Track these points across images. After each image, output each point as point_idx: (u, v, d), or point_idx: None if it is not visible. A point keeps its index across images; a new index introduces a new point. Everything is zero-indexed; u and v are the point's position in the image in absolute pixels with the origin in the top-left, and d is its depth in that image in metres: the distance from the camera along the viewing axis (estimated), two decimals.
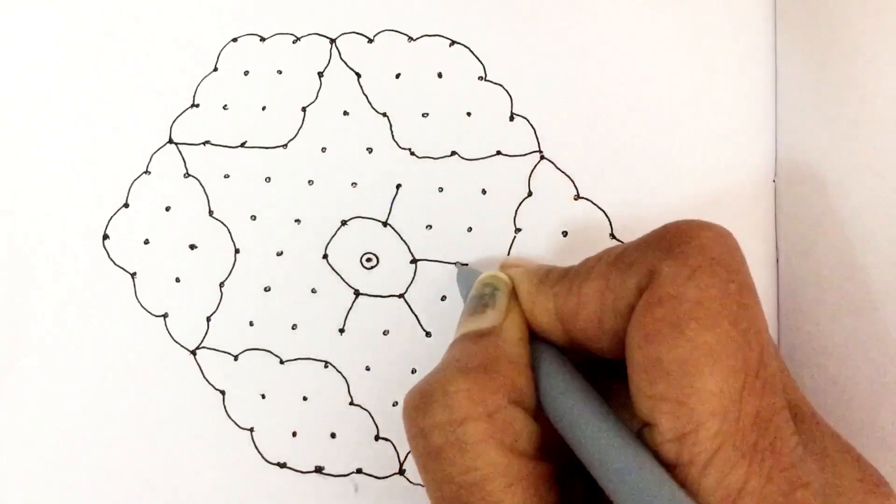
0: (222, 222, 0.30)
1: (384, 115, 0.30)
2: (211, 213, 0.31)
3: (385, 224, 0.30)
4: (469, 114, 0.30)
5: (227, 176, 0.31)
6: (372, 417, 0.29)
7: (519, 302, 0.23)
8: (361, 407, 0.29)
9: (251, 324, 0.30)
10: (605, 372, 0.22)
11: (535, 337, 0.23)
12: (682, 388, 0.17)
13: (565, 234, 0.29)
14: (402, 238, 0.30)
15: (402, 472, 0.29)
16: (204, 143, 0.31)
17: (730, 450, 0.17)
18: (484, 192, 0.30)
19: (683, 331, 0.18)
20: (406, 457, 0.29)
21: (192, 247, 0.30)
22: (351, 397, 0.29)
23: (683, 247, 0.19)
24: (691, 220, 0.20)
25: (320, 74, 0.31)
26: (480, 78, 0.30)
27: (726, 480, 0.17)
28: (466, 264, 0.29)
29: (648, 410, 0.18)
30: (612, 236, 0.29)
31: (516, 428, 0.20)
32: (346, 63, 0.31)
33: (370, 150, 0.30)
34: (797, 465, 0.18)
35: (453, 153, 0.30)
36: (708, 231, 0.19)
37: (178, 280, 0.30)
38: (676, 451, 0.18)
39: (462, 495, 0.19)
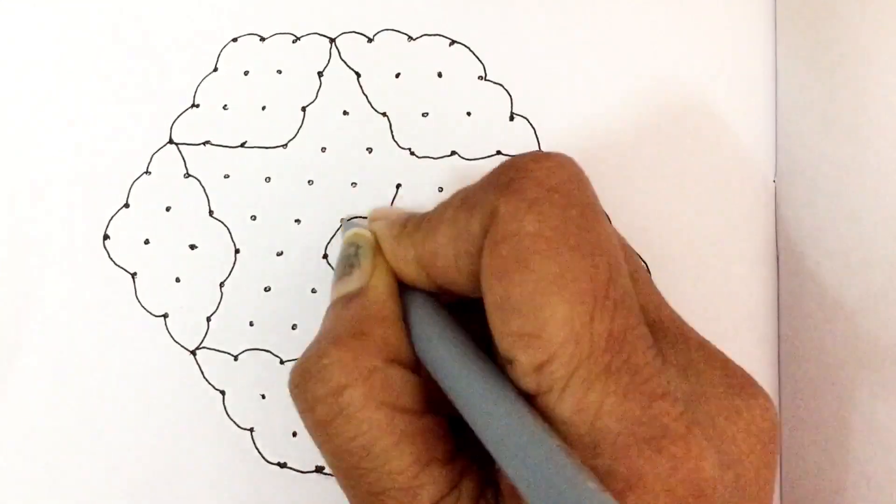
0: (222, 222, 0.30)
1: (384, 114, 0.30)
2: (211, 213, 0.31)
3: None
4: (469, 113, 0.30)
5: (227, 176, 0.31)
6: None
7: (384, 259, 0.23)
8: None
9: (251, 324, 0.30)
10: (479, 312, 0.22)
11: (405, 287, 0.23)
12: (533, 322, 0.18)
13: None
14: None
15: None
16: (204, 143, 0.31)
17: (584, 373, 0.17)
18: None
19: (527, 265, 0.18)
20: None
21: (193, 247, 0.30)
22: None
23: (520, 181, 0.19)
24: (528, 153, 0.20)
25: (320, 74, 0.31)
26: (480, 77, 0.30)
27: (583, 402, 0.17)
28: (344, 218, 0.29)
29: (507, 347, 0.18)
30: None
31: (395, 385, 0.20)
32: (345, 63, 0.31)
33: (370, 149, 0.30)
34: (654, 377, 0.18)
35: (453, 153, 0.30)
36: (545, 161, 0.19)
37: (178, 280, 0.30)
38: (536, 383, 0.18)
39: (355, 461, 0.19)
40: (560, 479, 0.16)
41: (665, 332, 0.20)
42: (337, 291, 0.23)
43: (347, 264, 0.23)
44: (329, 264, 0.30)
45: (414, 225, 0.22)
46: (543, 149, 0.30)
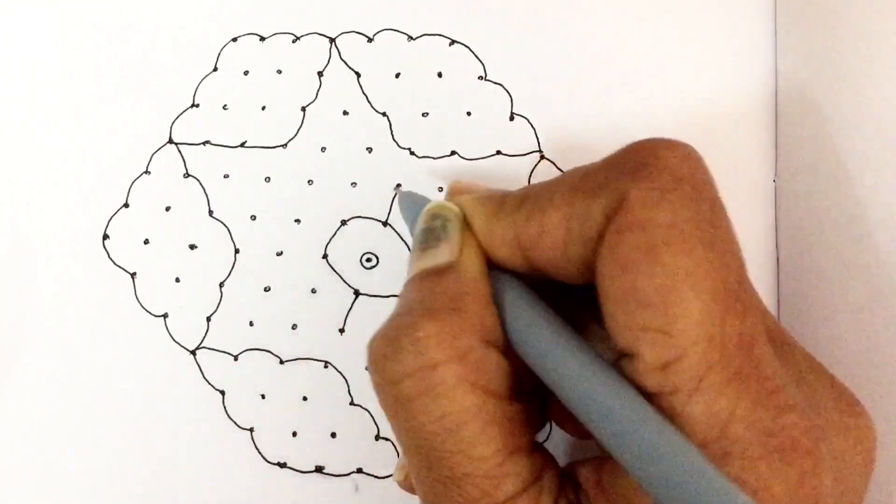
0: (222, 222, 0.30)
1: (384, 114, 0.30)
2: (211, 212, 0.31)
3: (385, 224, 0.30)
4: (469, 113, 0.30)
5: (226, 176, 0.31)
6: (372, 417, 0.29)
7: (473, 232, 0.21)
8: (362, 407, 0.29)
9: (251, 324, 0.30)
10: (571, 298, 0.21)
11: (493, 267, 0.21)
12: (663, 317, 0.17)
13: None
14: (402, 238, 0.30)
15: None
16: (204, 143, 0.31)
17: (716, 376, 0.17)
18: None
19: (659, 257, 0.17)
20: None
21: (192, 247, 0.30)
22: (351, 397, 0.29)
23: (650, 168, 0.18)
24: (655, 139, 0.19)
25: (320, 74, 0.31)
26: (480, 77, 0.30)
27: (714, 407, 0.17)
28: (404, 189, 0.27)
29: (628, 341, 0.17)
30: None
31: (489, 368, 0.19)
32: (345, 62, 0.31)
33: (370, 149, 0.30)
34: (781, 388, 0.17)
35: (453, 153, 0.30)
36: (675, 150, 0.18)
37: (178, 280, 0.30)
38: (660, 381, 0.17)
39: (437, 443, 0.18)
40: (710, 490, 0.15)
41: (776, 341, 0.20)
42: (420, 264, 0.21)
43: (433, 237, 0.21)
44: (329, 264, 0.30)
45: (514, 203, 0.20)
46: (544, 149, 0.30)
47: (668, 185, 0.17)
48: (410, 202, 0.25)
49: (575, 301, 0.21)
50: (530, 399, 0.20)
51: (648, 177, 0.18)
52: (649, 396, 0.17)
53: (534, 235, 0.19)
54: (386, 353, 0.19)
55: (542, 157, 0.30)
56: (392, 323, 0.19)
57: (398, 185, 0.27)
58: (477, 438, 0.18)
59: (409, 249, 0.30)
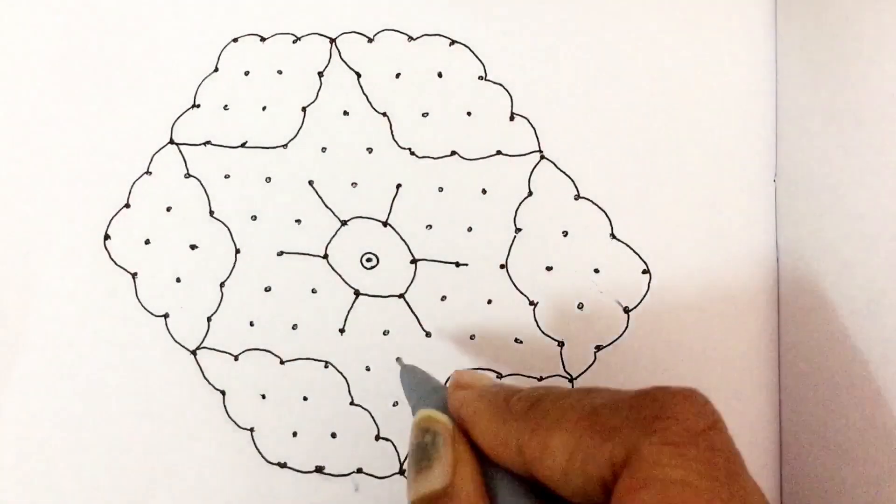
0: (223, 222, 0.30)
1: (384, 114, 0.30)
2: (211, 213, 0.31)
3: (385, 224, 0.30)
4: (469, 113, 0.30)
5: (227, 176, 0.31)
6: (372, 417, 0.29)
7: (464, 446, 0.21)
8: (362, 407, 0.29)
9: (251, 324, 0.30)
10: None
11: (488, 461, 0.21)
12: None
13: (566, 233, 0.29)
14: (402, 238, 0.30)
15: (402, 471, 0.29)
16: (205, 144, 0.31)
17: None
18: (484, 191, 0.30)
19: None
20: (406, 456, 0.29)
21: (193, 247, 0.30)
22: (351, 397, 0.29)
23: (664, 422, 0.18)
24: (669, 390, 0.19)
25: (320, 74, 0.31)
26: (481, 77, 0.30)
27: None
28: (402, 361, 0.28)
29: None
30: (613, 236, 0.29)
31: None
32: (346, 63, 0.31)
33: (370, 149, 0.30)
34: None
35: (453, 153, 0.30)
36: (690, 403, 0.18)
37: (178, 280, 0.30)
38: None
39: None
40: None
41: None
42: (416, 489, 0.21)
43: (424, 455, 0.21)
44: (329, 264, 0.30)
45: (521, 408, 0.21)
46: (544, 149, 0.30)
47: (683, 441, 0.17)
48: (410, 374, 0.25)
49: None
50: None
51: (662, 430, 0.18)
52: None
53: (536, 452, 0.19)
54: None
55: (543, 157, 0.30)
56: None
57: (399, 359, 0.27)
58: None
59: (409, 251, 0.30)
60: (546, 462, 0.19)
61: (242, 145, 0.31)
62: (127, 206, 0.31)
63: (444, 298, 0.29)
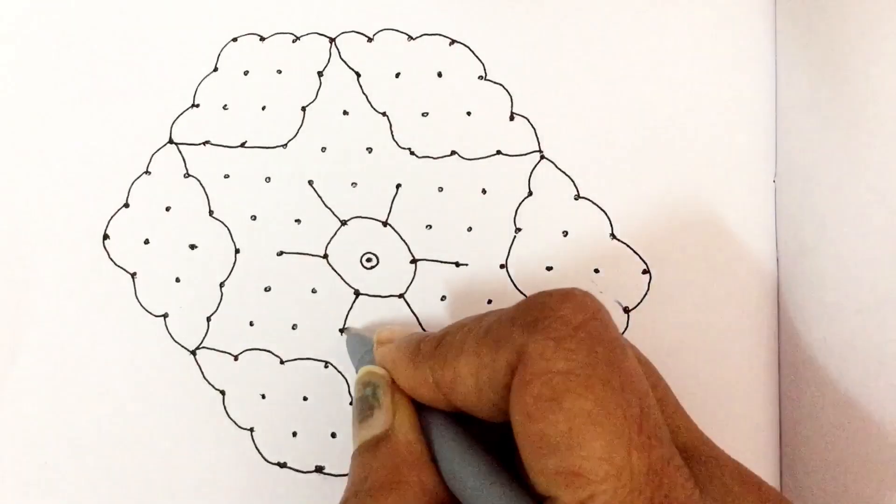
0: (222, 222, 0.30)
1: (384, 114, 0.30)
2: (211, 212, 0.31)
3: (385, 224, 0.30)
4: (469, 113, 0.30)
5: (227, 176, 0.31)
6: None
7: (401, 393, 0.23)
8: None
9: (251, 324, 0.30)
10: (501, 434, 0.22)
11: (424, 407, 0.23)
12: (571, 459, 0.18)
13: (565, 233, 0.29)
14: (401, 238, 0.30)
15: None
16: (204, 143, 0.31)
17: None
18: (484, 191, 0.30)
19: (561, 403, 0.18)
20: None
21: (193, 247, 0.30)
22: (351, 397, 0.29)
23: (545, 321, 0.19)
24: (550, 292, 0.21)
25: (320, 74, 0.31)
26: (480, 77, 0.30)
27: None
28: (349, 329, 0.29)
29: (545, 486, 0.18)
30: (613, 236, 0.29)
31: None
32: (345, 62, 0.31)
33: (370, 149, 0.30)
34: None
35: (453, 153, 0.30)
36: (568, 300, 0.20)
37: (178, 280, 0.30)
38: None
39: None
40: None
41: (698, 457, 0.21)
42: (360, 437, 0.23)
43: (366, 406, 0.23)
44: (329, 264, 0.30)
45: (429, 348, 0.22)
46: (544, 149, 0.30)
47: (563, 335, 0.19)
48: (356, 341, 0.27)
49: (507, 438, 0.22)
50: None
51: (545, 329, 0.19)
52: None
53: (449, 380, 0.21)
54: None
55: (543, 156, 0.30)
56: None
57: (344, 329, 0.29)
58: None
59: (409, 251, 0.30)
60: (459, 389, 0.21)
61: (242, 145, 0.31)
62: (126, 205, 0.31)
63: (443, 298, 0.29)
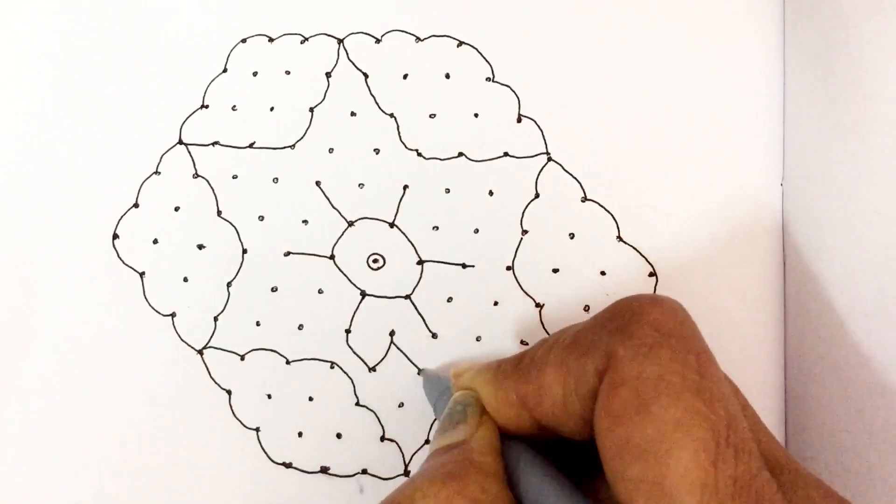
0: (230, 222, 0.31)
1: (391, 115, 0.30)
2: (219, 213, 0.31)
3: (392, 225, 0.30)
4: (476, 115, 0.30)
5: (235, 176, 0.31)
6: (378, 418, 0.29)
7: (490, 417, 0.23)
8: (367, 408, 0.29)
9: (258, 324, 0.30)
10: (584, 459, 0.22)
11: (507, 438, 0.23)
12: (656, 468, 0.17)
13: (572, 236, 0.29)
14: (408, 239, 0.30)
15: (407, 472, 0.29)
16: (213, 144, 0.31)
17: None
18: (491, 193, 0.30)
19: (649, 409, 0.18)
20: (412, 458, 0.29)
21: (201, 247, 0.31)
22: (357, 398, 0.29)
23: (636, 325, 0.19)
24: (640, 296, 0.20)
25: (328, 75, 0.31)
26: (488, 79, 0.30)
27: None
28: (425, 370, 0.29)
29: (626, 494, 0.18)
30: (619, 238, 0.29)
31: None
32: (353, 63, 0.31)
33: (377, 150, 0.30)
34: None
35: (460, 154, 0.30)
36: (658, 306, 0.20)
37: (186, 280, 0.30)
38: None
39: None
40: None
41: (782, 470, 0.20)
42: (438, 442, 0.23)
43: (454, 420, 0.23)
44: (336, 265, 0.30)
45: (511, 366, 0.22)
46: (552, 151, 0.30)
47: (655, 341, 0.19)
48: (433, 380, 0.27)
49: (590, 461, 0.22)
50: None
51: (635, 334, 0.19)
52: None
53: (534, 394, 0.21)
54: None
55: (550, 158, 0.30)
56: (398, 490, 0.21)
57: (420, 370, 0.29)
58: None
59: (416, 252, 0.30)
60: (545, 402, 0.21)
61: (250, 146, 0.31)
62: (136, 205, 0.31)
63: (450, 300, 0.29)
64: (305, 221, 0.30)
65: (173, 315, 0.30)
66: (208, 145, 0.31)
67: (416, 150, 0.30)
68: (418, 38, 0.31)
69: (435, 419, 0.29)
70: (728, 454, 0.18)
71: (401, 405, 0.29)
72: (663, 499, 0.17)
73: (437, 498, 0.20)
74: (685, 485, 0.17)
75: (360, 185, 0.30)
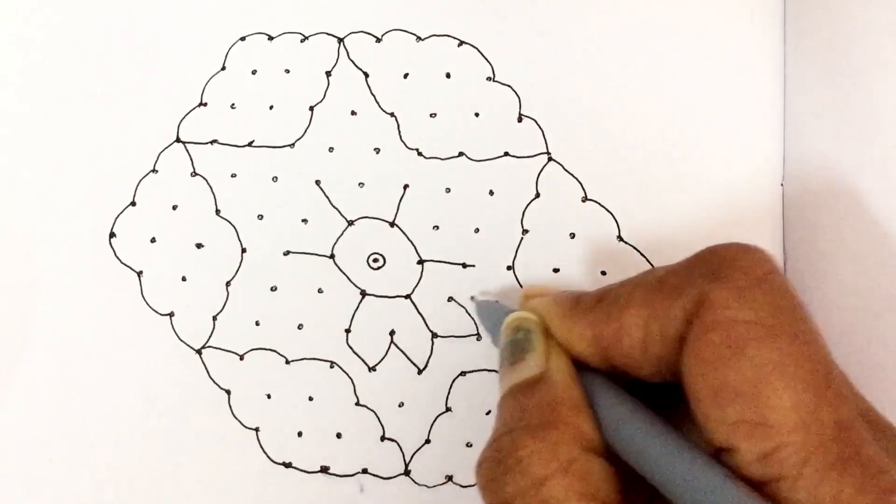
0: (229, 221, 0.30)
1: (392, 115, 0.30)
2: (218, 212, 0.31)
3: (392, 224, 0.30)
4: (477, 114, 0.30)
5: (234, 175, 0.31)
6: (378, 418, 0.29)
7: (555, 340, 0.22)
8: (367, 407, 0.29)
9: (257, 323, 0.30)
10: (653, 394, 0.21)
11: (579, 366, 0.22)
12: (757, 408, 0.17)
13: (573, 235, 0.29)
14: (409, 238, 0.30)
15: (407, 472, 0.29)
16: (211, 142, 0.31)
17: (817, 462, 0.17)
18: (491, 192, 0.30)
19: (745, 351, 0.18)
20: (412, 457, 0.29)
21: (199, 246, 0.30)
22: (357, 397, 0.29)
23: (728, 270, 0.19)
24: (727, 244, 0.20)
25: (328, 74, 0.31)
26: (489, 78, 0.30)
27: (819, 493, 0.17)
28: (478, 297, 0.29)
29: (725, 436, 0.18)
30: (620, 238, 0.29)
31: (595, 476, 0.19)
32: (354, 62, 0.31)
33: (378, 150, 0.30)
34: (884, 472, 0.17)
35: (461, 154, 0.30)
36: (751, 253, 0.20)
37: (184, 279, 0.30)
38: (762, 471, 0.17)
39: None
40: None
41: (871, 422, 0.20)
42: (511, 379, 0.22)
43: (518, 349, 0.22)
44: (336, 264, 0.30)
45: (590, 303, 0.22)
46: (552, 150, 0.30)
47: (747, 285, 0.19)
48: (488, 311, 0.26)
49: (657, 397, 0.21)
50: (642, 500, 0.21)
51: (728, 277, 0.19)
52: (753, 485, 0.18)
53: (612, 334, 0.21)
54: (494, 475, 0.19)
55: (550, 158, 0.30)
56: (495, 444, 0.20)
57: (473, 297, 0.28)
58: None
59: (417, 253, 0.30)
60: (624, 343, 0.20)
61: (249, 144, 0.31)
62: (133, 204, 0.31)
63: (450, 299, 0.29)
64: (305, 220, 0.30)
65: (171, 314, 0.30)
66: (207, 143, 0.31)
67: (417, 150, 0.30)
68: (419, 38, 0.31)
69: (444, 410, 0.29)
70: (828, 396, 0.17)
71: (401, 405, 0.29)
72: (766, 439, 0.17)
73: (541, 452, 0.19)
74: (790, 423, 0.17)
75: (360, 184, 0.30)
